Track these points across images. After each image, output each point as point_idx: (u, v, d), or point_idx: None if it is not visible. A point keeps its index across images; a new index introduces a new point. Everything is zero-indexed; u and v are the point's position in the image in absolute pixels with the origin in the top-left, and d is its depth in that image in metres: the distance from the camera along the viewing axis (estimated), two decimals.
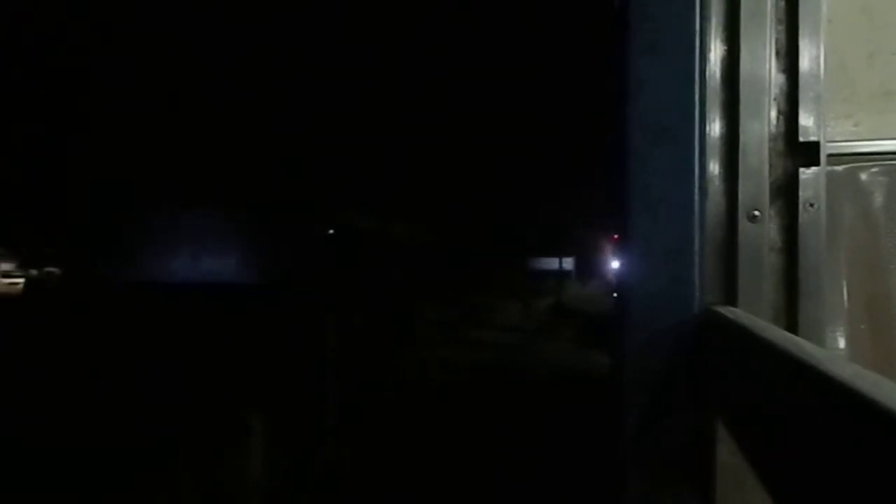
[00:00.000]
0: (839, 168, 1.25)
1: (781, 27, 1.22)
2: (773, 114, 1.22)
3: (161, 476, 5.59)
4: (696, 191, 1.17)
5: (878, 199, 1.27)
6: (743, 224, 1.21)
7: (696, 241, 1.16)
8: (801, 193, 1.20)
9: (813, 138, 1.20)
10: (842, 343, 1.25)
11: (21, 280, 22.94)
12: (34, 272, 22.35)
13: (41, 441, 6.05)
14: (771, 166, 1.21)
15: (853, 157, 1.27)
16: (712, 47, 1.24)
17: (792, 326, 1.18)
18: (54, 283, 19.37)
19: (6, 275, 26.06)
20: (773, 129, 1.22)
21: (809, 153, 1.20)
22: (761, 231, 1.20)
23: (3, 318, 13.94)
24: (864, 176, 1.27)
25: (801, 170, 1.20)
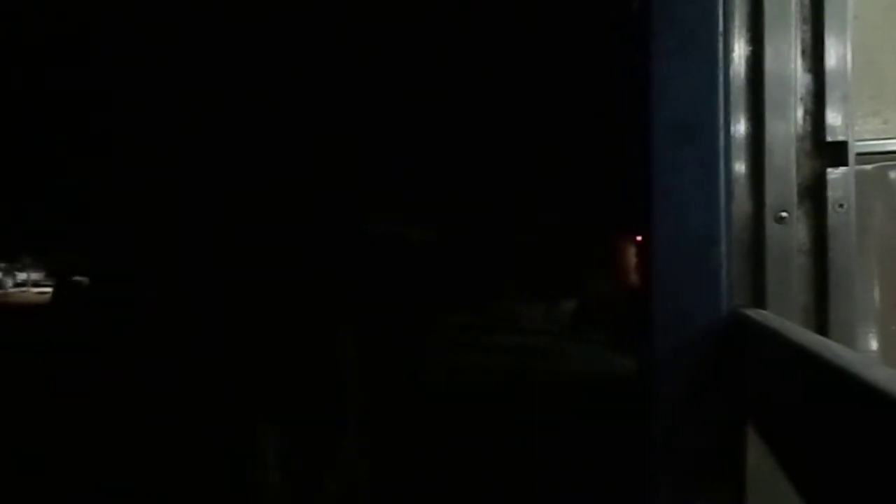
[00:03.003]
0: (868, 167, 1.24)
1: (807, 26, 1.21)
2: (800, 113, 1.21)
3: (173, 484, 5.59)
4: (722, 192, 1.16)
5: None
6: (770, 225, 1.19)
7: (723, 243, 1.15)
8: (829, 194, 1.18)
9: (841, 138, 1.18)
10: (874, 345, 1.23)
11: (49, 289, 23.30)
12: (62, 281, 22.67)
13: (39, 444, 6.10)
14: (798, 167, 1.20)
15: (883, 155, 1.25)
16: (736, 48, 1.23)
17: (822, 328, 1.16)
18: (81, 292, 19.62)
19: (35, 284, 26.49)
20: (799, 129, 1.21)
21: (837, 153, 1.19)
22: (789, 232, 1.19)
23: (29, 326, 14.14)
24: (894, 174, 1.25)
25: (829, 170, 1.19)
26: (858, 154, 1.20)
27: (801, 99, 1.21)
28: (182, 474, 5.74)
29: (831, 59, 1.20)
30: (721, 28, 1.17)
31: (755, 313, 1.11)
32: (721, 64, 1.17)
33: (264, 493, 5.46)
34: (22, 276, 27.22)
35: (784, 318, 1.12)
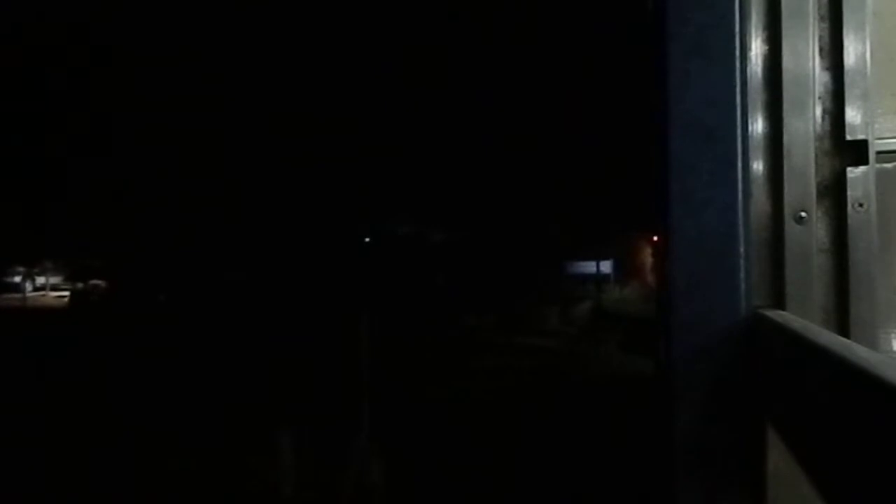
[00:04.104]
0: (889, 165, 1.22)
1: (825, 24, 1.20)
2: (818, 112, 1.20)
3: (191, 489, 5.62)
4: (740, 192, 1.15)
5: None
6: (789, 225, 1.18)
7: (741, 243, 1.15)
8: (849, 193, 1.17)
9: (860, 136, 1.17)
10: None
11: (68, 293, 23.52)
12: (80, 285, 22.91)
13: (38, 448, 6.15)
14: (817, 166, 1.19)
15: None
16: (753, 47, 1.22)
17: (843, 329, 1.15)
18: (99, 295, 19.81)
19: (54, 288, 26.78)
20: (818, 127, 1.20)
21: (857, 151, 1.18)
22: (809, 232, 1.18)
23: (42, 329, 14.28)
24: None
25: (849, 169, 1.18)
26: (878, 152, 1.19)
27: (820, 97, 1.20)
28: (194, 474, 5.78)
29: (850, 56, 1.19)
30: (737, 27, 1.17)
31: (775, 314, 1.10)
32: (738, 63, 1.16)
33: (279, 493, 5.48)
34: (41, 280, 27.51)
35: (804, 318, 1.12)
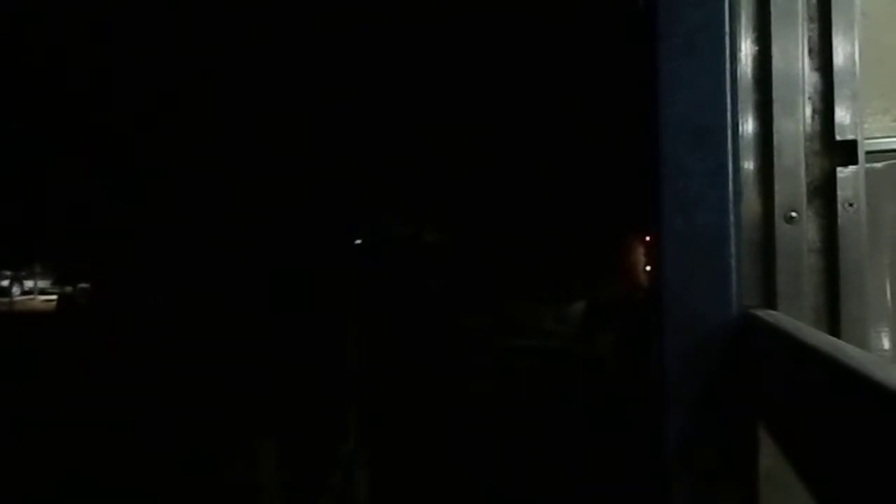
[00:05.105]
0: (878, 165, 1.23)
1: (814, 25, 1.21)
2: (808, 112, 1.20)
3: (171, 485, 5.58)
4: (731, 192, 1.15)
5: None
6: (780, 225, 1.19)
7: (732, 243, 1.15)
8: (839, 193, 1.17)
9: (850, 136, 1.18)
10: (886, 344, 1.22)
11: (55, 297, 23.35)
12: (69, 289, 22.72)
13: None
14: (807, 166, 1.20)
15: (893, 153, 1.24)
16: (743, 47, 1.22)
17: (834, 329, 1.16)
18: (87, 298, 19.67)
19: (42, 292, 26.56)
20: (808, 128, 1.20)
21: (847, 151, 1.18)
22: (799, 232, 1.18)
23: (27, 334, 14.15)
24: None
25: (839, 169, 1.18)
26: (868, 152, 1.19)
27: (810, 98, 1.21)
28: (180, 475, 5.74)
29: (839, 57, 1.20)
30: (727, 28, 1.17)
31: (766, 314, 1.11)
32: (728, 64, 1.16)
33: (263, 494, 5.45)
34: (29, 283, 27.30)
35: (795, 318, 1.12)
